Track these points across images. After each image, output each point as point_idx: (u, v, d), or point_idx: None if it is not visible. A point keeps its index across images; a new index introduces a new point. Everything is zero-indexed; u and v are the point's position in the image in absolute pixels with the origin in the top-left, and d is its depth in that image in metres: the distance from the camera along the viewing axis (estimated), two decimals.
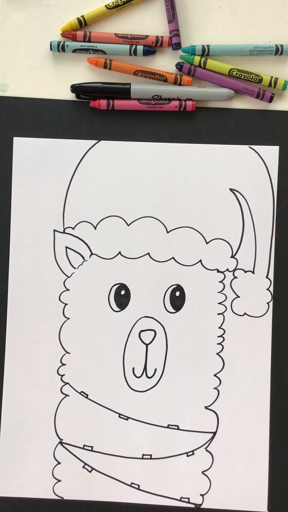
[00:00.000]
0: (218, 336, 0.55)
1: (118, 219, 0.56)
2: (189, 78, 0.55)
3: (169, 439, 0.55)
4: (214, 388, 0.55)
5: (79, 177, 0.56)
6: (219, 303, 0.56)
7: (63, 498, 0.55)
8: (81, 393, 0.55)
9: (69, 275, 0.56)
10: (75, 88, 0.56)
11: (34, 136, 0.56)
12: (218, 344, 0.55)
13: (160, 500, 0.55)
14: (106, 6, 0.55)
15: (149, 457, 0.55)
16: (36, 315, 0.56)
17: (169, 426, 0.55)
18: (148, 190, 0.56)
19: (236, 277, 0.56)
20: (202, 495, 0.55)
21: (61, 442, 0.56)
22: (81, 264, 0.56)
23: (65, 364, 0.56)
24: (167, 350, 0.55)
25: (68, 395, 0.56)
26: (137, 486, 0.55)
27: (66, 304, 0.56)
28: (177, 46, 0.55)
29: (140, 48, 0.55)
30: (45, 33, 0.56)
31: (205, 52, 0.55)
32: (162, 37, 0.55)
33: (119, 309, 0.56)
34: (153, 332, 0.56)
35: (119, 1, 0.55)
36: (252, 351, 0.55)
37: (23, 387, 0.56)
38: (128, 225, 0.56)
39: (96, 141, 0.56)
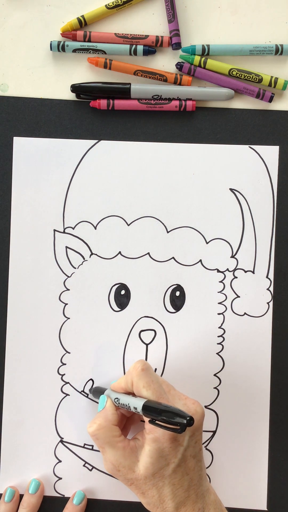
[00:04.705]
0: (218, 336, 0.56)
1: (118, 219, 0.56)
2: (189, 78, 0.55)
3: None
4: (214, 388, 0.56)
5: (79, 177, 0.56)
6: (219, 303, 0.56)
7: (64, 495, 0.56)
8: (82, 392, 0.55)
9: (69, 275, 0.56)
10: (75, 88, 0.55)
11: (34, 136, 0.56)
12: (218, 344, 0.56)
13: None
14: (106, 6, 0.55)
15: None
16: (36, 315, 0.56)
17: None
18: (148, 190, 0.56)
19: (236, 277, 0.56)
20: None
21: (61, 441, 0.56)
22: (81, 264, 0.56)
23: (65, 364, 0.56)
24: (167, 350, 0.56)
25: (69, 394, 0.56)
26: None
27: (66, 304, 0.56)
28: (177, 46, 0.55)
29: (140, 48, 0.55)
30: (45, 33, 0.56)
31: (205, 52, 0.55)
32: (162, 37, 0.55)
33: (119, 309, 0.56)
34: (153, 332, 0.56)
35: (119, 1, 0.55)
36: (252, 351, 0.55)
37: (24, 387, 0.56)
38: (128, 225, 0.56)
39: (96, 141, 0.56)
